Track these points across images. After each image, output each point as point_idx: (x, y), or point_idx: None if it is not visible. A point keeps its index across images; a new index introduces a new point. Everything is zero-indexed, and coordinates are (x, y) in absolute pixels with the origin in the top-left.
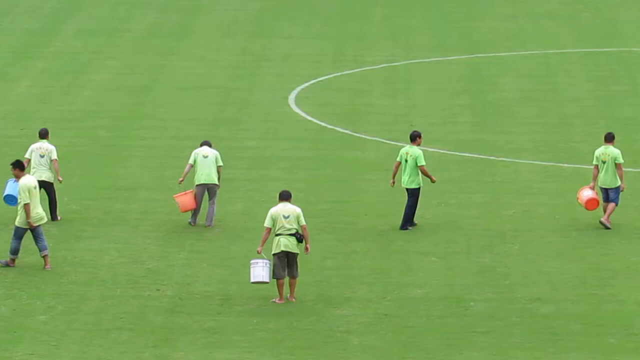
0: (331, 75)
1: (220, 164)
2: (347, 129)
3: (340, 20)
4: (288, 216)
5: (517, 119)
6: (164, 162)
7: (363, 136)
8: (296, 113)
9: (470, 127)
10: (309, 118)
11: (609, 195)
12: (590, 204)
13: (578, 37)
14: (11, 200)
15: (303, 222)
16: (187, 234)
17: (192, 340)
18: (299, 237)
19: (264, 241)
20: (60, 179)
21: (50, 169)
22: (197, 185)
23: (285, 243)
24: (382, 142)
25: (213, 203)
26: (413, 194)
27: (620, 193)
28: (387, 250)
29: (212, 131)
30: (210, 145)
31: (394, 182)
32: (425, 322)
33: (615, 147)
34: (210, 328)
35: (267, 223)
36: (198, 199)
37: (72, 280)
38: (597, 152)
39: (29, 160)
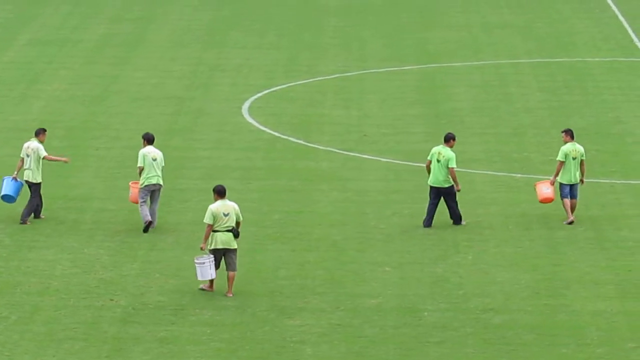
0: (284, 85)
1: (163, 164)
2: (300, 139)
3: (294, 30)
4: (228, 214)
5: (470, 129)
6: (117, 172)
7: (316, 146)
8: (249, 123)
9: (423, 137)
10: (262, 128)
11: (573, 191)
12: (545, 200)
13: (531, 48)
14: (9, 199)
15: (241, 219)
16: (140, 244)
17: (145, 350)
18: (236, 233)
19: (207, 238)
20: (65, 159)
21: (34, 169)
22: (145, 185)
23: (223, 239)
24: (335, 152)
25: (156, 202)
26: (448, 193)
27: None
28: (341, 260)
29: (166, 141)
30: (152, 140)
31: None
32: (379, 332)
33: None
34: (164, 338)
35: (208, 220)
36: (141, 200)
37: (25, 290)
38: (566, 149)
39: (23, 160)
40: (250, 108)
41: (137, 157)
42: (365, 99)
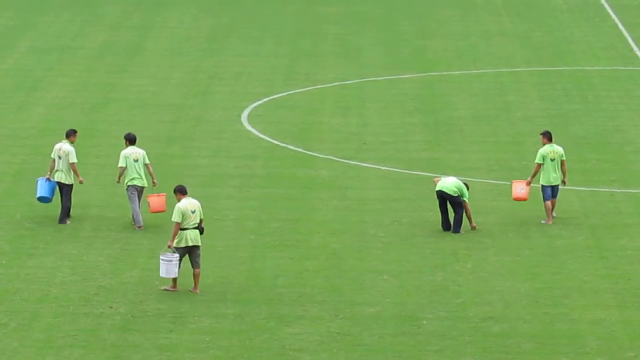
0: (284, 93)
1: (148, 161)
2: (299, 147)
3: (293, 38)
4: (194, 211)
5: (469, 137)
6: (116, 180)
7: (315, 154)
8: (248, 131)
9: (422, 146)
10: (261, 136)
11: (554, 191)
12: (519, 200)
13: (530, 56)
14: (45, 200)
15: (202, 216)
16: (140, 251)
17: (144, 358)
18: (201, 230)
19: (175, 236)
20: (81, 179)
21: (66, 171)
22: (129, 186)
23: (192, 237)
24: (334, 160)
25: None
26: (455, 202)
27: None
28: (340, 268)
29: (165, 149)
30: (134, 141)
31: None
32: (377, 340)
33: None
34: (163, 346)
35: (178, 218)
36: (133, 200)
37: (25, 297)
38: (544, 151)
39: (55, 161)
40: (249, 116)
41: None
42: (365, 107)
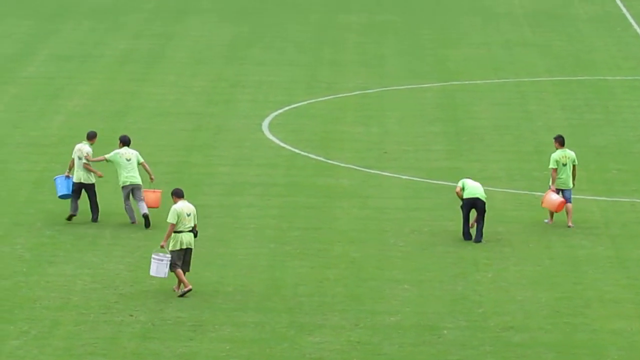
0: (305, 102)
1: (142, 160)
2: (320, 156)
3: (314, 47)
4: (190, 214)
5: (491, 146)
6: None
7: (336, 163)
8: (269, 139)
9: (444, 155)
10: (282, 144)
11: (565, 195)
12: (560, 207)
13: (552, 66)
14: (67, 196)
15: (196, 220)
16: None
17: None
18: (195, 233)
19: (168, 236)
20: (100, 173)
21: (87, 170)
22: (123, 187)
23: (187, 240)
24: (355, 169)
25: (142, 199)
26: (483, 209)
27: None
28: (360, 277)
29: (185, 157)
30: (128, 143)
31: None
32: (398, 350)
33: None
34: (183, 354)
35: (173, 219)
36: (125, 199)
37: (45, 305)
38: (557, 156)
39: (74, 160)
40: (270, 124)
41: (154, 171)
42: (386, 116)
